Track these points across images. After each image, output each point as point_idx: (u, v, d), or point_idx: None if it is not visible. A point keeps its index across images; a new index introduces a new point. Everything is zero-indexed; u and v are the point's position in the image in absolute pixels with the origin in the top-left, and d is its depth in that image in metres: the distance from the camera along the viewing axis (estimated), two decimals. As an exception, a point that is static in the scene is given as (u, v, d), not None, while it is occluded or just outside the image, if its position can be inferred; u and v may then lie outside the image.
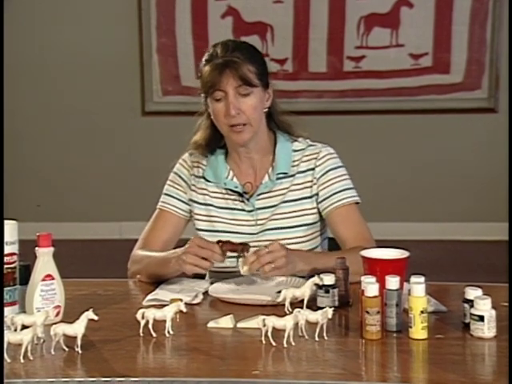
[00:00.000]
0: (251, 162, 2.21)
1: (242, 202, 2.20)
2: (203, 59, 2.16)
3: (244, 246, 1.96)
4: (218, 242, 1.96)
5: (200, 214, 2.23)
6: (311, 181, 2.19)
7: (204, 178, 2.24)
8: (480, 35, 5.59)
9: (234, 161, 2.23)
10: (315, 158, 2.20)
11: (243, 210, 2.19)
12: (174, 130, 5.59)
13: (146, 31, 5.75)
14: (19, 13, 5.76)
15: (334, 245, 2.26)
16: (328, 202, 2.17)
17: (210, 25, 5.71)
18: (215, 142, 2.23)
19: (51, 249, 1.77)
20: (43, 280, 1.76)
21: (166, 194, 2.27)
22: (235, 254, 1.96)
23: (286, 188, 2.19)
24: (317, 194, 2.19)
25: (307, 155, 2.21)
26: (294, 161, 2.20)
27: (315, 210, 2.19)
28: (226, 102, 2.09)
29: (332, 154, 2.22)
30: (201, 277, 2.29)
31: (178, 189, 2.26)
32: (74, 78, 5.83)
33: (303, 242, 2.17)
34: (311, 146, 2.23)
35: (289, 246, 2.02)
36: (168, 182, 2.29)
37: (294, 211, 2.18)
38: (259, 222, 2.18)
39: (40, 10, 5.79)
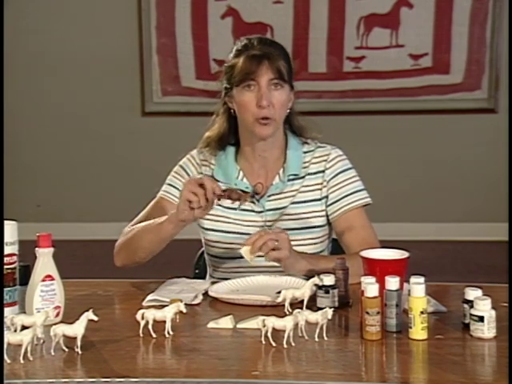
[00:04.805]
0: (264, 162, 2.21)
1: (252, 202, 2.19)
2: (234, 50, 2.16)
3: (245, 195, 1.97)
4: (225, 190, 1.98)
5: (208, 213, 2.21)
6: (321, 183, 2.19)
7: (213, 177, 2.22)
8: (480, 35, 5.59)
9: (246, 159, 2.22)
10: (325, 161, 2.20)
11: (252, 211, 2.19)
12: (173, 130, 5.63)
13: (145, 31, 5.75)
14: (19, 13, 5.76)
15: (337, 246, 2.26)
16: (336, 205, 2.17)
17: (209, 25, 5.71)
18: (228, 139, 2.22)
19: (51, 249, 1.77)
20: (43, 280, 1.75)
21: (168, 184, 2.25)
22: (231, 202, 1.98)
23: (296, 190, 2.19)
24: (326, 197, 2.19)
25: (317, 157, 2.21)
26: (304, 162, 2.20)
27: (324, 213, 2.19)
28: (257, 93, 2.09)
29: (341, 155, 2.22)
30: (201, 277, 2.30)
31: (181, 181, 2.22)
32: (74, 78, 5.84)
33: (312, 244, 2.17)
34: (320, 147, 2.23)
35: (297, 248, 2.02)
36: (172, 173, 2.27)
37: (303, 213, 2.17)
38: (268, 224, 2.17)
39: (40, 9, 5.79)
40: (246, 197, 2.00)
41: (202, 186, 1.94)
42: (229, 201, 2.00)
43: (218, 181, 2.21)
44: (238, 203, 2.00)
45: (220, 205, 2.20)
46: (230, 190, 2.00)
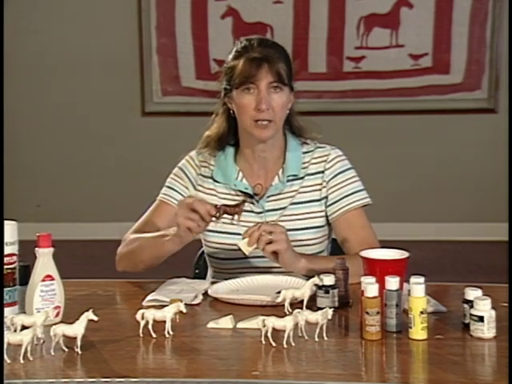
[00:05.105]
0: (264, 162, 2.21)
1: (252, 203, 2.19)
2: (234, 51, 2.15)
3: (239, 207, 1.96)
4: (215, 206, 1.96)
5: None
6: (320, 184, 2.19)
7: (212, 178, 2.22)
8: (480, 35, 5.59)
9: (246, 160, 2.22)
10: (325, 161, 2.20)
11: (252, 212, 2.18)
12: (173, 130, 5.63)
13: (145, 31, 5.75)
14: (19, 13, 5.76)
15: (337, 246, 2.26)
16: (336, 206, 2.17)
17: (209, 25, 5.71)
18: (227, 139, 2.22)
19: (51, 249, 1.77)
20: (43, 280, 1.75)
21: (167, 187, 2.25)
22: (230, 217, 1.99)
23: (295, 190, 2.19)
24: (326, 197, 2.18)
25: (316, 157, 2.21)
26: (303, 163, 2.20)
27: (323, 213, 2.19)
28: (256, 96, 2.08)
29: (341, 156, 2.22)
30: (201, 277, 2.30)
31: (180, 183, 2.24)
32: (74, 78, 5.84)
33: (312, 244, 2.16)
34: (319, 147, 2.23)
35: (296, 249, 2.03)
36: (171, 176, 2.27)
37: (303, 213, 2.17)
38: None
39: (40, 9, 5.79)
40: (242, 206, 1.99)
41: (194, 210, 1.93)
42: (228, 216, 1.99)
43: (218, 182, 2.21)
44: (237, 217, 1.99)
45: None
46: (223, 206, 1.98)
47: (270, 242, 1.93)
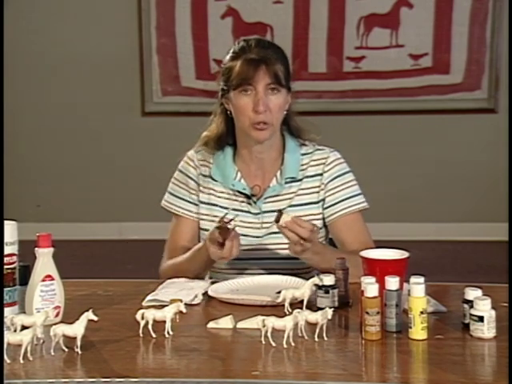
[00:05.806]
0: (261, 163, 2.20)
1: (249, 204, 2.19)
2: (231, 52, 2.15)
3: (226, 230, 1.96)
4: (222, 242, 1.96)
5: (204, 214, 2.21)
6: (319, 186, 2.19)
7: (211, 177, 2.22)
8: (480, 35, 5.59)
9: (244, 161, 2.22)
10: (323, 164, 2.19)
11: (249, 212, 2.18)
12: (173, 130, 5.63)
13: (145, 31, 5.75)
14: (19, 13, 5.75)
15: (335, 246, 2.25)
16: (333, 209, 2.17)
17: (209, 25, 5.71)
18: (226, 139, 2.22)
19: (51, 249, 1.77)
20: (43, 280, 1.75)
21: (176, 196, 2.25)
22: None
23: (294, 192, 2.18)
24: (323, 200, 2.18)
25: (315, 160, 2.20)
26: (302, 165, 2.20)
27: (321, 216, 2.19)
28: (254, 98, 2.08)
29: (339, 159, 2.22)
30: (200, 277, 2.30)
31: (189, 191, 2.23)
32: (74, 77, 5.84)
33: None
34: (318, 150, 2.22)
35: None
36: (175, 182, 2.26)
37: (301, 216, 2.16)
38: (264, 226, 2.17)
39: (40, 9, 5.79)
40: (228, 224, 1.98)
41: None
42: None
43: (216, 180, 2.21)
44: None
45: (217, 204, 2.20)
46: (223, 231, 1.96)
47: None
